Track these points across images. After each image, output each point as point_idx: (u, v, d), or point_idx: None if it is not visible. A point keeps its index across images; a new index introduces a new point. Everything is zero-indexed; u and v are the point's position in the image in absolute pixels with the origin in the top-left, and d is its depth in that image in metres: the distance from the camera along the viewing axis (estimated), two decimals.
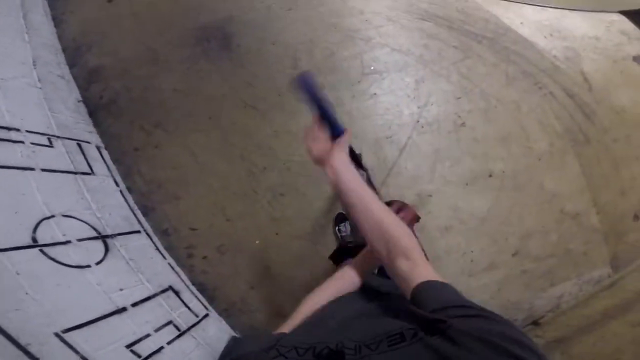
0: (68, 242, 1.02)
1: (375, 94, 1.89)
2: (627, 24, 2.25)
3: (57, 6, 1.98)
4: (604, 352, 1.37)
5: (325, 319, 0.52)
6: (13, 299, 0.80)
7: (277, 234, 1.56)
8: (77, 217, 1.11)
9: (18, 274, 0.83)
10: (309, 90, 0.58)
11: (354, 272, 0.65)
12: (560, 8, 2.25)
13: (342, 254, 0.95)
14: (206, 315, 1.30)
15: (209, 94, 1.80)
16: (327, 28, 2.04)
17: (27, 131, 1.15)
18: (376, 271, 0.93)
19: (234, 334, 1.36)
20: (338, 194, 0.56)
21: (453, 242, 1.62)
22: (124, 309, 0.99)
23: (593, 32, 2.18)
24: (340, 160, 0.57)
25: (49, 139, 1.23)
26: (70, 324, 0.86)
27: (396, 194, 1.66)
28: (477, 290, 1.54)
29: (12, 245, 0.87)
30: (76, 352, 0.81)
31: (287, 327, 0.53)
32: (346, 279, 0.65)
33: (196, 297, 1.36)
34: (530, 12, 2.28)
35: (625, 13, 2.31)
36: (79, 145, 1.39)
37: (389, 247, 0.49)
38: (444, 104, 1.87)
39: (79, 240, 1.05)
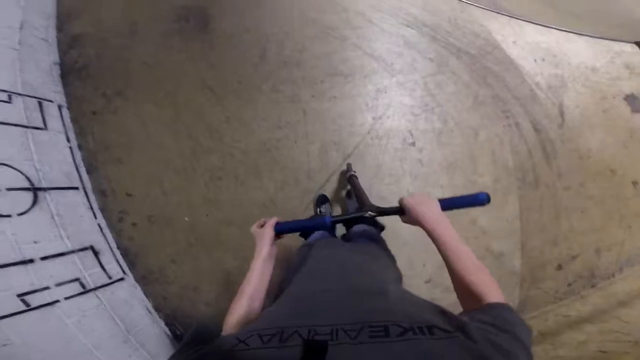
0: None
1: (334, 96, 1.87)
2: (636, 57, 1.96)
3: None
4: None
5: (296, 288, 0.51)
6: None
7: (207, 215, 1.65)
8: (15, 166, 1.20)
9: None
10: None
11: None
12: (567, 31, 1.97)
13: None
14: (121, 279, 1.42)
15: (173, 70, 1.84)
16: (305, 22, 1.96)
17: None
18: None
19: (146, 301, 1.50)
20: None
21: None
22: (30, 261, 1.07)
23: (592, 61, 1.93)
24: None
25: (9, 95, 1.34)
26: None
27: (329, 196, 1.73)
28: None
29: None
30: None
31: (231, 325, 0.50)
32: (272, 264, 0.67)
33: (116, 260, 1.46)
34: (530, 32, 2.02)
35: None
36: (40, 103, 1.48)
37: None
38: (400, 119, 1.82)
39: (8, 189, 1.14)
